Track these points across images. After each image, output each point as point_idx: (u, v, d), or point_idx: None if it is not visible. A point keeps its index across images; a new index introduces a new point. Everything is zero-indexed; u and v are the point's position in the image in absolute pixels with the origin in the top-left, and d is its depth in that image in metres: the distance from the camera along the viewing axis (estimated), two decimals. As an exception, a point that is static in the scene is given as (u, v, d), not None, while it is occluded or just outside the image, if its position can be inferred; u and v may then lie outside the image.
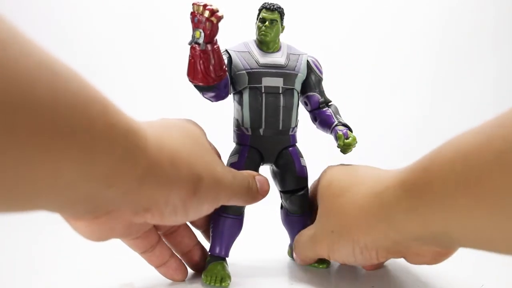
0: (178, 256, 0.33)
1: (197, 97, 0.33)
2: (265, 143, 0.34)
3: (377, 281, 0.34)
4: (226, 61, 0.32)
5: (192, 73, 0.30)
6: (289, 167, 0.35)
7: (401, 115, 0.87)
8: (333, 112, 0.35)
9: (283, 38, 0.35)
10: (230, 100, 0.35)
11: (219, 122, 0.49)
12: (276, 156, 0.35)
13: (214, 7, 0.28)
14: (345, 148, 0.33)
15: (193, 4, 0.28)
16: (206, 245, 0.35)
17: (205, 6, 0.28)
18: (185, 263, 0.33)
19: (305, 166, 0.35)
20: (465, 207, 0.20)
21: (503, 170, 0.17)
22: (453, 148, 0.21)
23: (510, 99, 0.86)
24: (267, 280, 0.33)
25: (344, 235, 0.29)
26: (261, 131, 0.34)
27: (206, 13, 0.27)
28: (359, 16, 0.88)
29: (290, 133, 0.35)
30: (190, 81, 0.31)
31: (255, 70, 0.33)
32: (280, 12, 0.33)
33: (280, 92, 0.33)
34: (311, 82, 0.35)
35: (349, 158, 0.35)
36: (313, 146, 0.47)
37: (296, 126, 0.35)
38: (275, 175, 0.36)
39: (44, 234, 0.47)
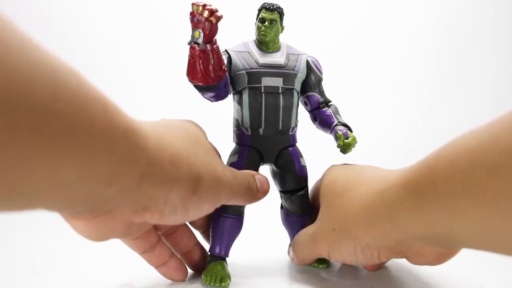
0: (178, 256, 0.33)
1: (197, 97, 0.33)
2: (265, 143, 0.34)
3: (377, 281, 0.34)
4: (225, 61, 0.32)
5: (191, 73, 0.30)
6: (289, 167, 0.35)
7: (401, 115, 0.87)
8: (333, 112, 0.35)
9: (283, 38, 0.35)
10: (230, 100, 0.35)
11: (219, 122, 0.49)
12: (276, 156, 0.35)
13: (213, 7, 0.28)
14: (345, 148, 0.33)
15: (192, 4, 0.28)
16: (206, 245, 0.35)
17: (204, 6, 0.28)
18: (185, 263, 0.33)
19: (305, 166, 0.35)
20: (469, 207, 0.20)
21: (511, 170, 0.17)
22: (457, 148, 0.21)
23: (510, 99, 0.86)
24: (267, 280, 0.33)
25: (346, 234, 0.28)
26: (260, 131, 0.34)
27: (206, 13, 0.27)
28: (359, 16, 0.88)
29: (290, 133, 0.35)
30: (190, 81, 0.31)
31: (255, 70, 0.33)
32: (280, 12, 0.33)
33: (280, 92, 0.33)
34: (311, 82, 0.35)
35: (349, 158, 0.35)
36: (313, 146, 0.47)
37: (296, 126, 0.35)
38: (275, 175, 0.36)
39: (43, 234, 0.47)
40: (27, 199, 0.17)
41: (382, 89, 0.88)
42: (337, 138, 0.33)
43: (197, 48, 0.29)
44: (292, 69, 0.34)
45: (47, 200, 0.19)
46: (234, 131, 0.35)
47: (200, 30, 0.28)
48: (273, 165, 0.36)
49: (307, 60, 0.35)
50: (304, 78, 0.35)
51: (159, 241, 0.31)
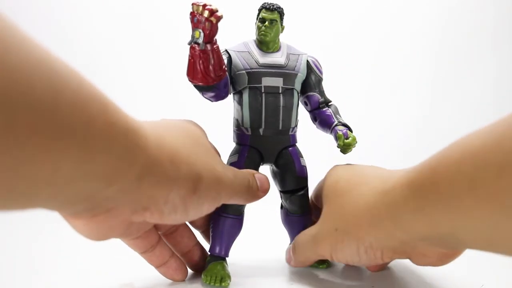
0: (178, 256, 0.33)
1: (197, 97, 0.33)
2: (265, 143, 0.34)
3: (377, 281, 0.34)
4: (226, 61, 0.32)
5: (191, 73, 0.30)
6: (289, 167, 0.35)
7: (401, 115, 0.87)
8: (333, 112, 0.35)
9: (283, 38, 0.35)
10: (230, 100, 0.35)
11: (219, 122, 0.49)
12: (276, 156, 0.35)
13: (213, 7, 0.28)
14: (345, 148, 0.33)
15: (192, 4, 0.28)
16: (206, 245, 0.35)
17: (204, 6, 0.28)
18: (185, 263, 0.33)
19: (305, 166, 0.35)
20: (472, 208, 0.20)
21: None
22: (460, 149, 0.21)
23: (510, 99, 0.86)
24: (267, 280, 0.33)
25: (349, 234, 0.28)
26: (261, 131, 0.34)
27: (206, 13, 0.27)
28: (359, 16, 0.88)
29: (290, 133, 0.35)
30: (190, 81, 0.31)
31: (255, 70, 0.33)
32: (280, 12, 0.33)
33: (280, 92, 0.33)
34: (311, 82, 0.35)
35: (349, 158, 0.35)
36: (313, 146, 0.47)
37: (296, 126, 0.35)
38: (275, 175, 0.36)
39: (44, 233, 0.47)
40: (27, 198, 0.17)
41: (382, 89, 0.88)
42: (337, 138, 0.33)
43: (197, 48, 0.29)
44: (292, 69, 0.34)
45: (47, 199, 0.19)
46: (234, 131, 0.35)
47: (200, 30, 0.28)
48: (273, 165, 0.36)
49: (307, 60, 0.35)
50: (304, 78, 0.35)
51: (159, 241, 0.31)
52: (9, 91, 0.14)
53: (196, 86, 0.31)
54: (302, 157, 0.35)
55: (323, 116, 0.35)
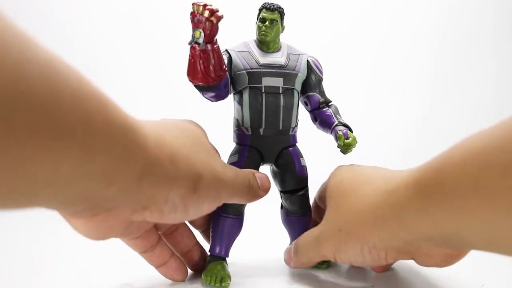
0: (178, 256, 0.33)
1: (197, 97, 0.33)
2: (265, 143, 0.34)
3: (377, 281, 0.34)
4: (226, 61, 0.32)
5: (192, 73, 0.30)
6: (289, 167, 0.35)
7: (401, 115, 0.87)
8: (333, 112, 0.35)
9: (283, 38, 0.35)
10: (230, 100, 0.35)
11: (219, 122, 0.49)
12: (276, 156, 0.35)
13: (214, 7, 0.28)
14: (345, 148, 0.33)
15: (193, 4, 0.28)
16: (206, 245, 0.35)
17: (205, 6, 0.28)
18: (185, 263, 0.33)
19: (305, 166, 0.35)
20: (477, 208, 0.20)
21: None
22: (465, 149, 0.21)
23: (510, 99, 0.86)
24: (267, 280, 0.33)
25: (352, 234, 0.28)
26: (261, 131, 0.34)
27: (206, 13, 0.27)
28: (359, 16, 0.88)
29: (290, 133, 0.35)
30: (190, 81, 0.31)
31: (255, 70, 0.33)
32: (280, 12, 0.33)
33: (280, 92, 0.33)
34: (311, 82, 0.35)
35: (349, 158, 0.35)
36: (313, 146, 0.47)
37: (296, 126, 0.35)
38: (275, 175, 0.36)
39: (44, 233, 0.47)
40: (27, 198, 0.17)
41: (382, 89, 0.88)
42: (337, 138, 0.33)
43: (197, 48, 0.29)
44: (293, 69, 0.34)
45: (47, 199, 0.19)
46: (234, 131, 0.35)
47: (201, 30, 0.28)
48: (273, 165, 0.35)
49: (307, 60, 0.35)
50: (304, 78, 0.35)
51: (159, 241, 0.31)
52: (10, 91, 0.14)
53: (197, 86, 0.31)
54: (302, 157, 0.35)
55: (323, 116, 0.35)
